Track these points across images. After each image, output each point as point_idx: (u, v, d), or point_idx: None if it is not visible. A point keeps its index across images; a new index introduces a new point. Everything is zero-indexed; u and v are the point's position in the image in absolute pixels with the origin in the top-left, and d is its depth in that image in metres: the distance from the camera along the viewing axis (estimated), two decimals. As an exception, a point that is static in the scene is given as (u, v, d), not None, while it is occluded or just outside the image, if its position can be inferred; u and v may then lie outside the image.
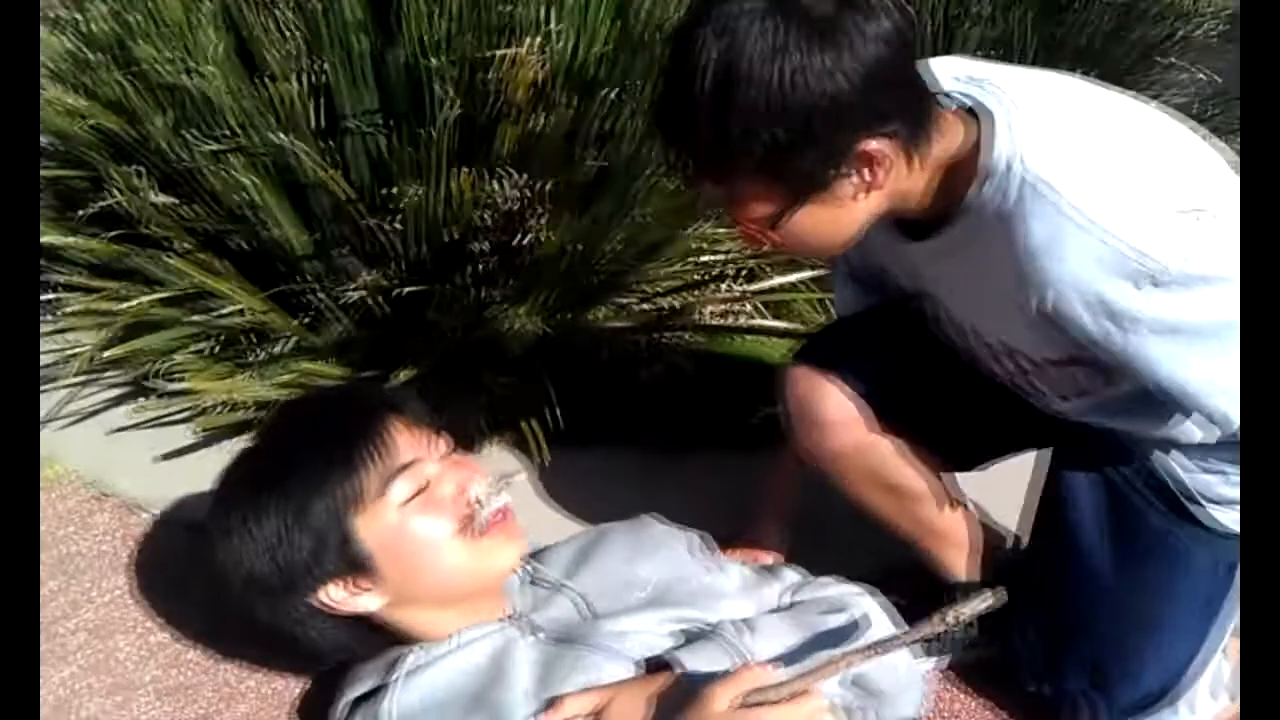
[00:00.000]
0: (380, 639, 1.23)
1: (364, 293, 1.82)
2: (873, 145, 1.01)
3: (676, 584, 1.30)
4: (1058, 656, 1.34)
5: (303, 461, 1.17)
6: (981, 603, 0.98)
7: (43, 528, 1.74)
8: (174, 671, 1.53)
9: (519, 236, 1.78)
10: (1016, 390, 1.28)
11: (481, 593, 1.23)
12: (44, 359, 2.00)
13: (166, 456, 1.87)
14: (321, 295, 1.83)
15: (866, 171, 1.03)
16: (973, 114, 1.08)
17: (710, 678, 1.03)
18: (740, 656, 1.13)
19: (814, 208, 1.05)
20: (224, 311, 1.87)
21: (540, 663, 1.17)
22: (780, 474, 1.60)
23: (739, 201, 1.07)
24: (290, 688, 1.51)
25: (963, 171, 1.07)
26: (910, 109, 1.03)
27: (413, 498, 1.17)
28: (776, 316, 2.22)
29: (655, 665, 1.15)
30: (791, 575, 1.39)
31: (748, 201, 1.06)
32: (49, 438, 1.89)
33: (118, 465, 1.85)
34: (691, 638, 1.20)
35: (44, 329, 1.94)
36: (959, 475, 1.49)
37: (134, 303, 1.81)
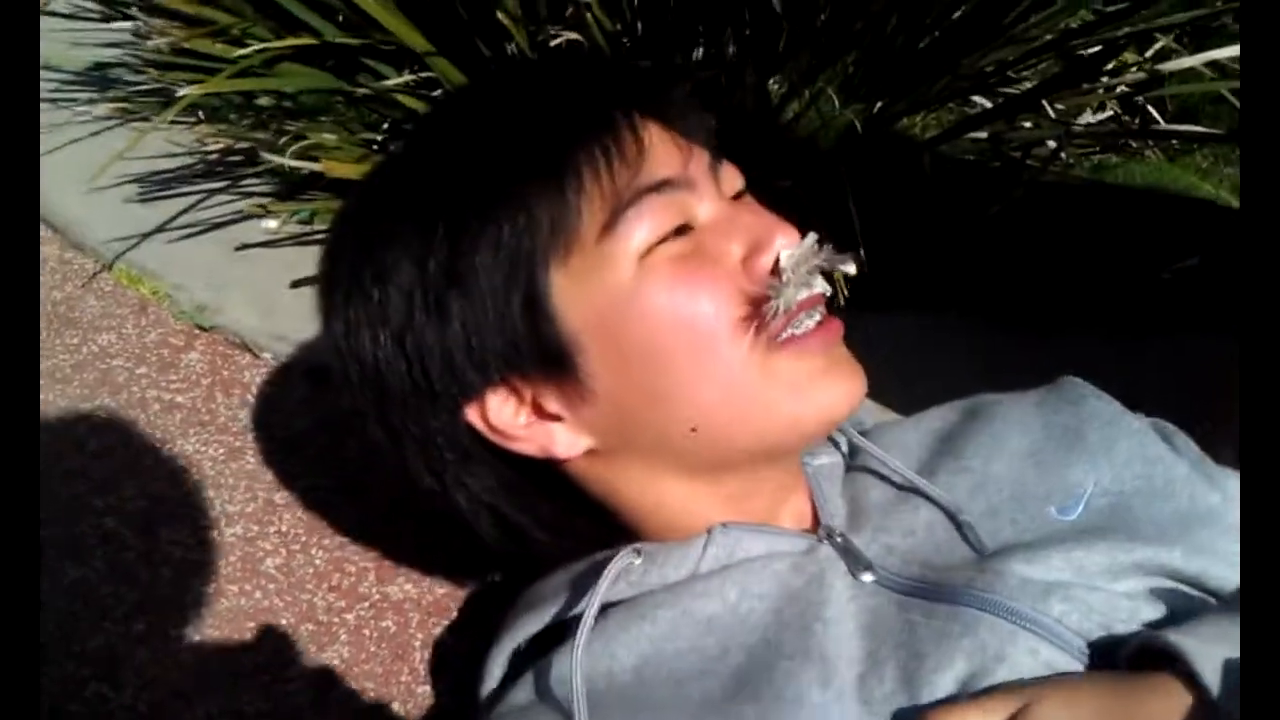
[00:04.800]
0: (583, 523, 0.66)
1: (576, 35, 1.17)
2: None
3: (1139, 501, 0.66)
4: None
5: (470, 161, 0.61)
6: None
7: (111, 363, 1.21)
8: (234, 589, 0.94)
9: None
10: None
11: (769, 458, 0.63)
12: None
13: (300, 284, 1.30)
14: (517, 38, 1.18)
15: None
16: None
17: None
18: None
19: None
20: (381, 82, 1.28)
21: (882, 632, 0.58)
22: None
23: None
24: (409, 628, 0.89)
25: None
26: None
27: (661, 243, 0.58)
28: (1176, 119, 1.49)
29: (1126, 655, 0.54)
30: None
31: None
32: (152, 251, 1.37)
33: (231, 290, 1.30)
34: (1176, 605, 0.59)
35: (127, 75, 1.41)
36: None
37: (255, 47, 1.23)
